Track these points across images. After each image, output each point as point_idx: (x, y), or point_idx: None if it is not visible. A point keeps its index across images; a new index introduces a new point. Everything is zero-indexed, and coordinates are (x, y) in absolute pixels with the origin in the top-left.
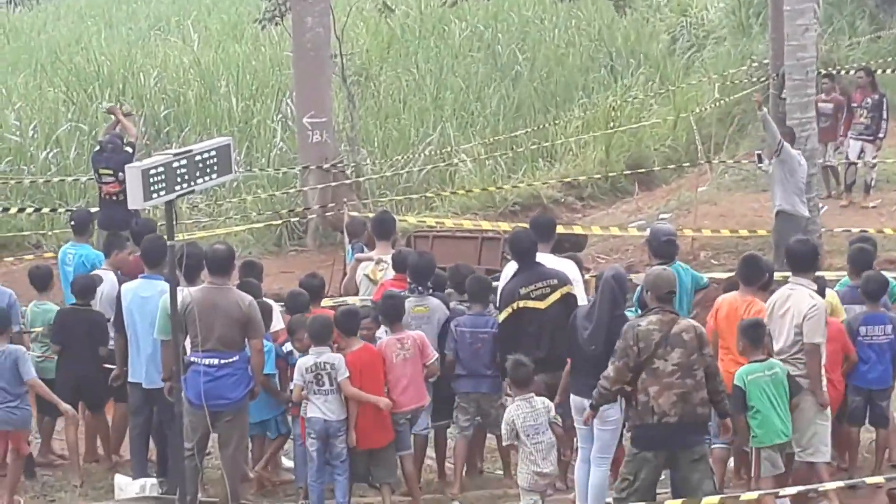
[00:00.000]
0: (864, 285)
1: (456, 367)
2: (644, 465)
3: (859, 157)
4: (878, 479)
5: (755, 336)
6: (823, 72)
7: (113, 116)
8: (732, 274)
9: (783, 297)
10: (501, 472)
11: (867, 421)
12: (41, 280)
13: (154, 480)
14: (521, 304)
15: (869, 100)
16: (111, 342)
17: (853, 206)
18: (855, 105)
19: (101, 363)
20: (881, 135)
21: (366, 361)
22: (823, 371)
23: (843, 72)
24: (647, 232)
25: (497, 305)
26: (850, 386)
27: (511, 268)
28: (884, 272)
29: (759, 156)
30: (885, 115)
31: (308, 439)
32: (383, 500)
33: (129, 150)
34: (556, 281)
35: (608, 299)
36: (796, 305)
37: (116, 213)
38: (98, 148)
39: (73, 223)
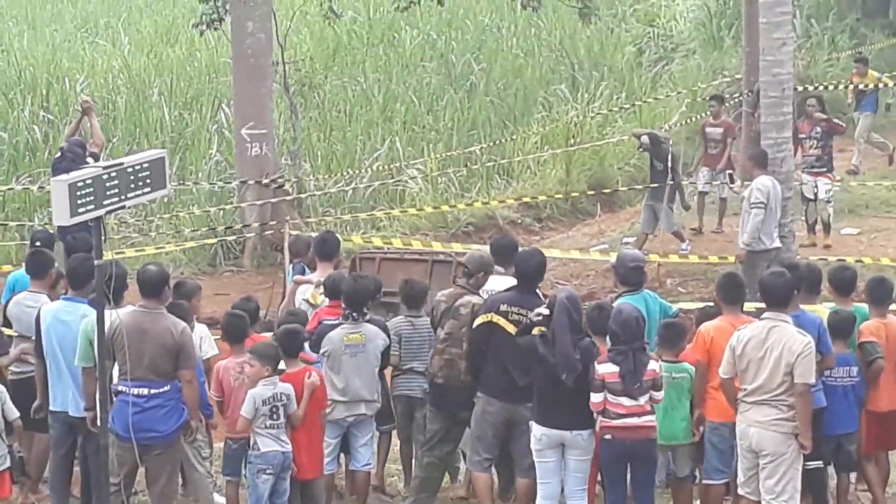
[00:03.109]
0: (831, 320)
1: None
2: (434, 418)
3: (815, 195)
4: None
5: (675, 337)
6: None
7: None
8: (705, 305)
9: (761, 334)
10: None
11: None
12: None
13: None
14: (496, 318)
15: (818, 129)
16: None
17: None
18: (803, 136)
19: None
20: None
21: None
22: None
23: (820, 88)
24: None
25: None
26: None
27: (504, 281)
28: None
29: (730, 176)
30: (835, 120)
31: (261, 476)
32: None
33: (91, 160)
34: (539, 318)
35: (566, 323)
36: (785, 344)
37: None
38: (59, 154)
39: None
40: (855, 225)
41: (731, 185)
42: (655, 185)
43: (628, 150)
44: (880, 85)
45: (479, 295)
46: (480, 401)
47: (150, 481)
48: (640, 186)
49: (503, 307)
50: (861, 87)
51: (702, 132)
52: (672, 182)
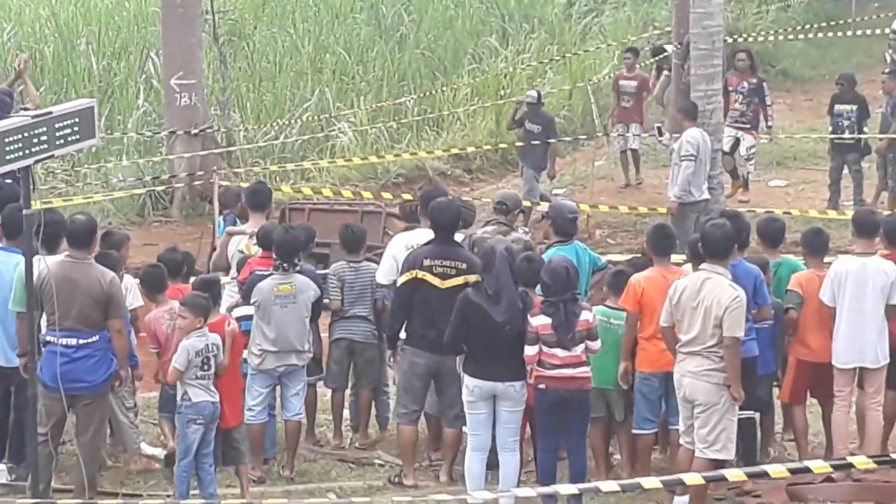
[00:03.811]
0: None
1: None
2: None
3: (734, 148)
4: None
5: (623, 284)
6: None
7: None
8: (632, 256)
9: (695, 285)
10: None
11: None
12: None
13: (2, 467)
14: (421, 274)
15: (745, 84)
16: None
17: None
18: (731, 89)
19: None
20: (769, 123)
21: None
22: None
23: (749, 39)
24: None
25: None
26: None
27: (398, 241)
28: (790, 255)
29: (658, 129)
30: (766, 101)
31: (192, 426)
32: (242, 484)
33: None
34: (464, 266)
35: (508, 274)
36: (715, 296)
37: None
38: None
39: None
40: (783, 177)
41: (661, 138)
42: (524, 145)
43: (558, 101)
44: None
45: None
46: (407, 353)
47: (78, 431)
48: (568, 138)
49: (426, 262)
50: None
51: (615, 85)
52: (548, 145)
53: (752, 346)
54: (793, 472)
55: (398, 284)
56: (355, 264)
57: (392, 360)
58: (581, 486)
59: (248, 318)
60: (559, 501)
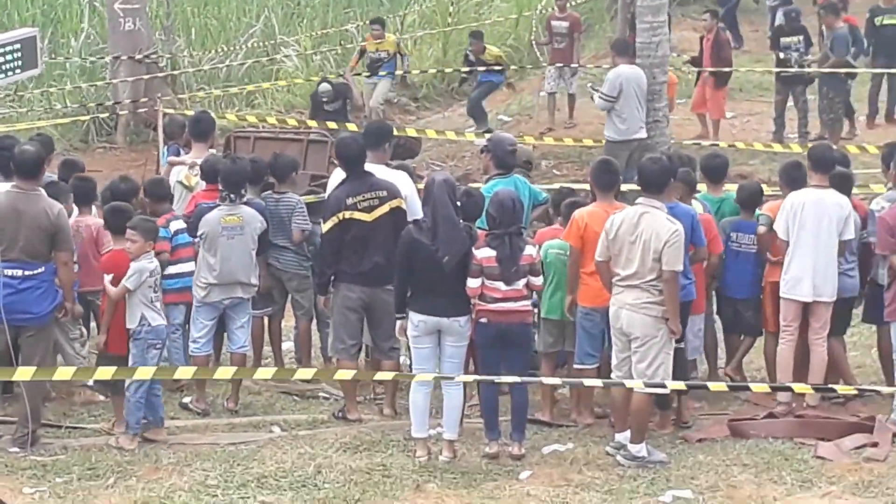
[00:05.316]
0: (739, 193)
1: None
2: None
3: None
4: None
5: (567, 213)
6: None
7: None
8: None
9: (632, 218)
10: None
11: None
12: None
13: None
14: (348, 214)
15: None
16: None
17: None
18: None
19: None
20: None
21: None
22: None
23: None
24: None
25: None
26: (721, 297)
27: (338, 175)
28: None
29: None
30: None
31: (152, 351)
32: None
33: None
34: (385, 193)
35: (446, 205)
36: (653, 230)
37: None
38: None
39: None
40: (728, 109)
41: (596, 89)
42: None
43: (505, 30)
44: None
45: None
46: (340, 288)
47: (23, 363)
48: (514, 68)
49: (350, 200)
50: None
51: (547, 26)
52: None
53: (690, 290)
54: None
55: (324, 231)
56: (277, 195)
57: (324, 305)
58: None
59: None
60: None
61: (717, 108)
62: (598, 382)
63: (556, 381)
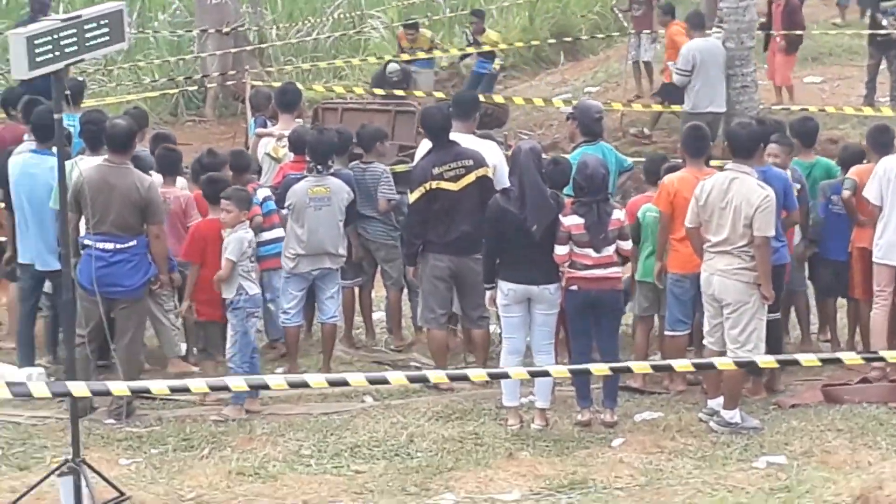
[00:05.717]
0: (842, 153)
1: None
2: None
3: None
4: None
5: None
6: None
7: None
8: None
9: (723, 185)
10: None
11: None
12: None
13: (41, 370)
14: (434, 184)
15: None
16: None
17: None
18: None
19: None
20: None
21: None
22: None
23: None
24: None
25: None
26: (819, 260)
27: (425, 146)
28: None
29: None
30: None
31: (251, 320)
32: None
33: None
34: (471, 162)
35: (534, 172)
36: (744, 196)
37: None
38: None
39: None
40: (818, 73)
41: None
42: None
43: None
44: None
45: None
46: (428, 258)
47: (117, 335)
48: (601, 35)
49: (436, 170)
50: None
51: None
52: None
53: (784, 254)
54: (824, 361)
55: (411, 202)
56: (364, 164)
57: (412, 275)
58: (613, 364)
59: (273, 241)
60: (593, 402)
61: (784, 75)
62: (687, 363)
63: (646, 366)
